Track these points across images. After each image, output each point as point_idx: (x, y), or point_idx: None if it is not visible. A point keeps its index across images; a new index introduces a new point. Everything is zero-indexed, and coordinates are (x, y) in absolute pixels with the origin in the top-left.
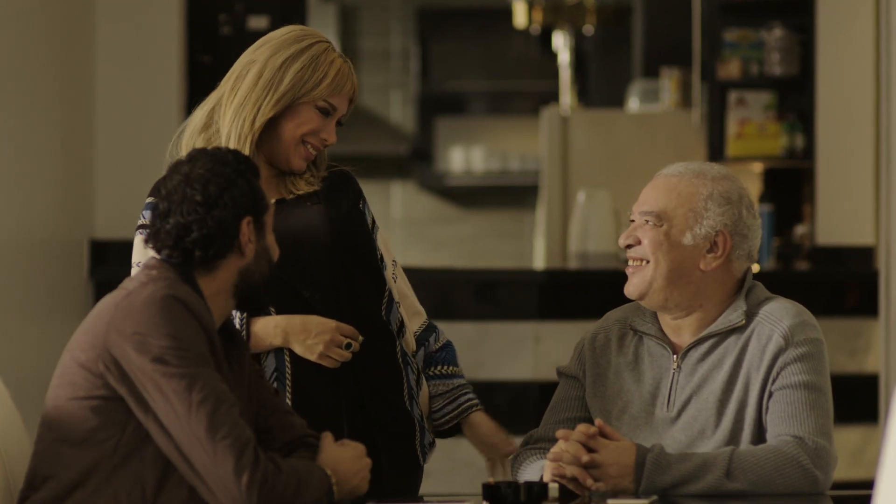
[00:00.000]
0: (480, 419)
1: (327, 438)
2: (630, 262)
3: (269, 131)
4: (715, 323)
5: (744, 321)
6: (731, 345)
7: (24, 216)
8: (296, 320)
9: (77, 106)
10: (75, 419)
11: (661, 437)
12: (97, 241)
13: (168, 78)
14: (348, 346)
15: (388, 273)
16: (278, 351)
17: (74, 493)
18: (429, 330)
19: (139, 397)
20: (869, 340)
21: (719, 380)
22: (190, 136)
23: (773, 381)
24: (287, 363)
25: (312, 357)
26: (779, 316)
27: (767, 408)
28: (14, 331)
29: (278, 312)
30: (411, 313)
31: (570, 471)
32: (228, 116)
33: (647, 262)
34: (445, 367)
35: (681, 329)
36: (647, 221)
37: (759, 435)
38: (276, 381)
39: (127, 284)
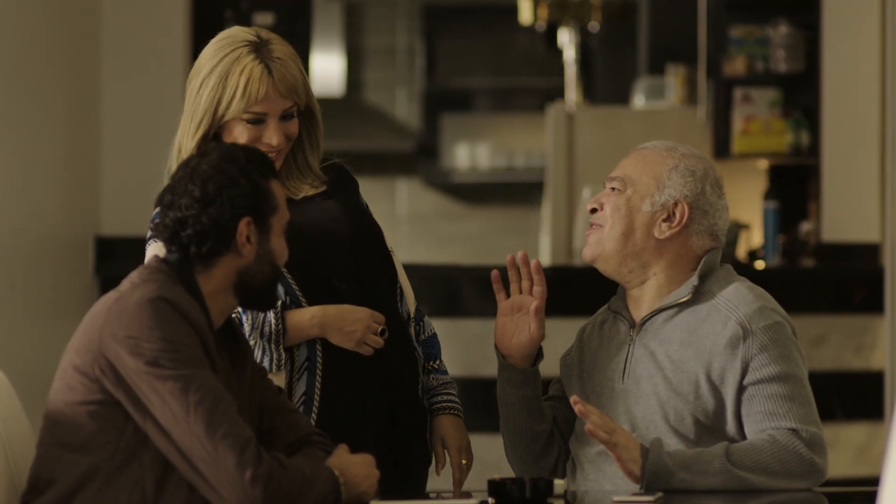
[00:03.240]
0: (451, 423)
1: (342, 448)
2: (591, 227)
3: None
4: (668, 297)
5: (689, 296)
6: (682, 321)
7: (29, 212)
8: (331, 310)
9: (82, 102)
10: (74, 424)
11: (617, 411)
12: (102, 238)
13: (173, 74)
14: (382, 332)
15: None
16: (310, 340)
17: (75, 497)
18: (417, 318)
19: (136, 401)
20: (875, 337)
21: (670, 356)
22: (176, 158)
23: (743, 374)
24: (318, 352)
25: (350, 345)
26: (736, 302)
27: (741, 402)
28: (19, 327)
29: (310, 304)
30: (410, 299)
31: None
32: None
33: (604, 225)
34: (439, 363)
35: (640, 302)
36: (613, 189)
37: (717, 422)
38: (306, 370)
39: (121, 286)
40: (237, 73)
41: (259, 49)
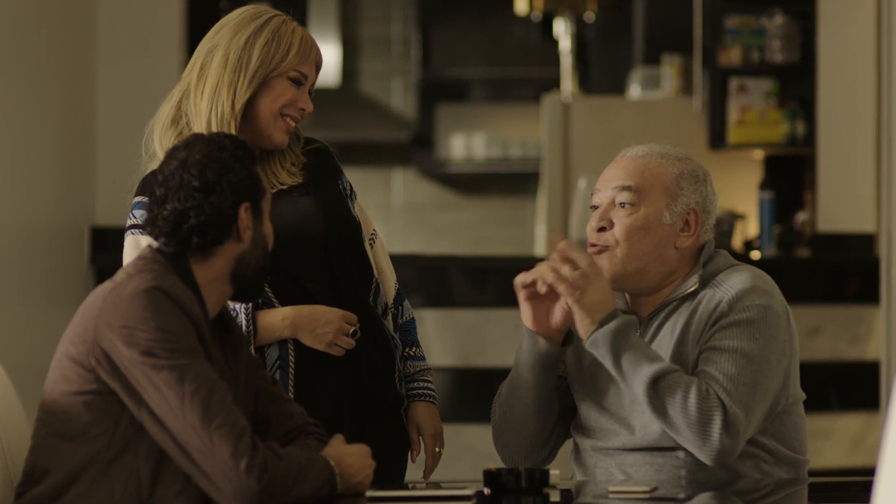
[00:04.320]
0: (426, 409)
1: (338, 438)
2: (594, 245)
3: (246, 111)
4: (673, 292)
5: (696, 286)
6: (684, 311)
7: (24, 202)
8: (303, 311)
9: (78, 92)
10: (69, 414)
11: (623, 402)
12: (98, 228)
13: (169, 64)
14: (354, 333)
15: (376, 249)
16: (282, 340)
17: (71, 487)
18: (397, 301)
19: (131, 390)
20: (870, 327)
21: (672, 345)
22: (161, 132)
23: (707, 342)
24: (290, 351)
25: (321, 346)
26: (731, 283)
27: (696, 364)
28: (14, 318)
29: (283, 305)
30: (389, 285)
31: (550, 277)
32: (203, 106)
33: (614, 247)
34: (415, 349)
35: (646, 302)
36: (622, 205)
37: None
38: (279, 369)
39: (116, 276)
40: (289, 31)
41: (296, 22)
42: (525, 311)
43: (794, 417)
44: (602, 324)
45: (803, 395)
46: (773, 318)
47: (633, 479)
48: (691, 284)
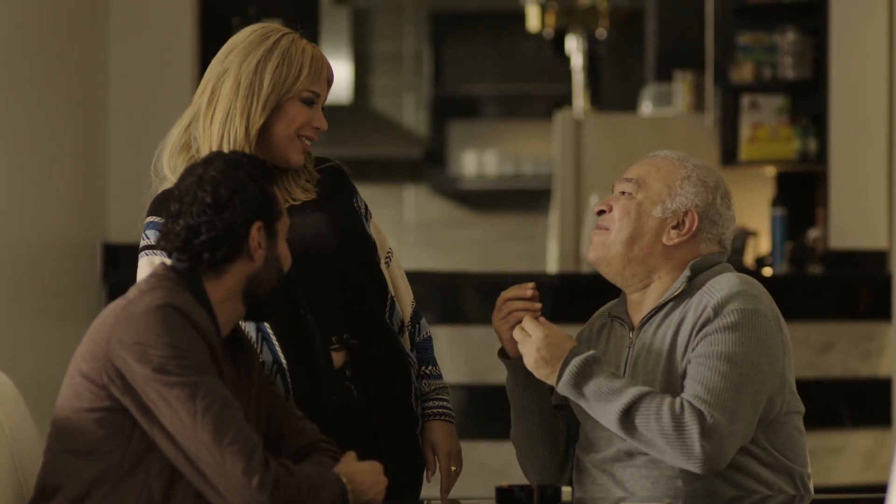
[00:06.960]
0: (441, 428)
1: (350, 455)
2: (596, 229)
3: (261, 135)
4: (662, 295)
5: (683, 287)
6: (675, 316)
7: (37, 219)
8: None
9: (90, 109)
10: (81, 430)
11: None
12: (110, 245)
13: (181, 81)
14: None
15: (392, 268)
16: (278, 366)
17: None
18: (414, 319)
19: (144, 407)
20: (882, 344)
21: (664, 350)
22: (170, 156)
23: (693, 349)
24: (287, 374)
25: None
26: (718, 287)
27: (685, 373)
28: (27, 334)
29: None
30: (405, 303)
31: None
32: (215, 132)
33: (611, 228)
34: (431, 367)
35: (641, 306)
36: (623, 192)
37: None
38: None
39: (128, 293)
40: (299, 51)
41: (305, 37)
42: (507, 343)
43: (790, 428)
44: (561, 371)
45: (801, 408)
46: (761, 322)
47: (634, 496)
48: (678, 287)
